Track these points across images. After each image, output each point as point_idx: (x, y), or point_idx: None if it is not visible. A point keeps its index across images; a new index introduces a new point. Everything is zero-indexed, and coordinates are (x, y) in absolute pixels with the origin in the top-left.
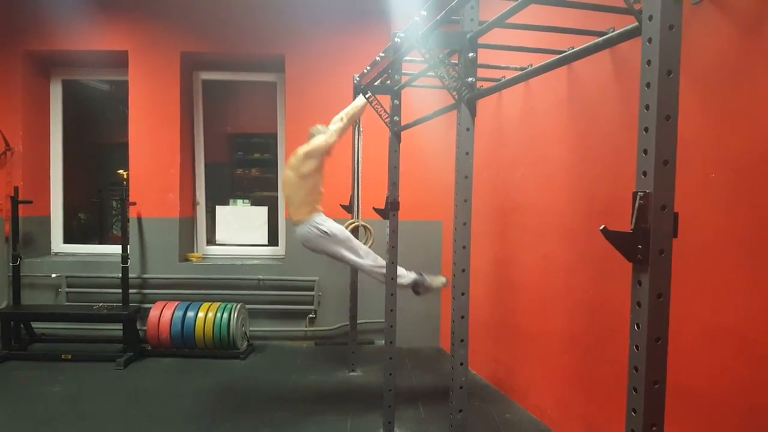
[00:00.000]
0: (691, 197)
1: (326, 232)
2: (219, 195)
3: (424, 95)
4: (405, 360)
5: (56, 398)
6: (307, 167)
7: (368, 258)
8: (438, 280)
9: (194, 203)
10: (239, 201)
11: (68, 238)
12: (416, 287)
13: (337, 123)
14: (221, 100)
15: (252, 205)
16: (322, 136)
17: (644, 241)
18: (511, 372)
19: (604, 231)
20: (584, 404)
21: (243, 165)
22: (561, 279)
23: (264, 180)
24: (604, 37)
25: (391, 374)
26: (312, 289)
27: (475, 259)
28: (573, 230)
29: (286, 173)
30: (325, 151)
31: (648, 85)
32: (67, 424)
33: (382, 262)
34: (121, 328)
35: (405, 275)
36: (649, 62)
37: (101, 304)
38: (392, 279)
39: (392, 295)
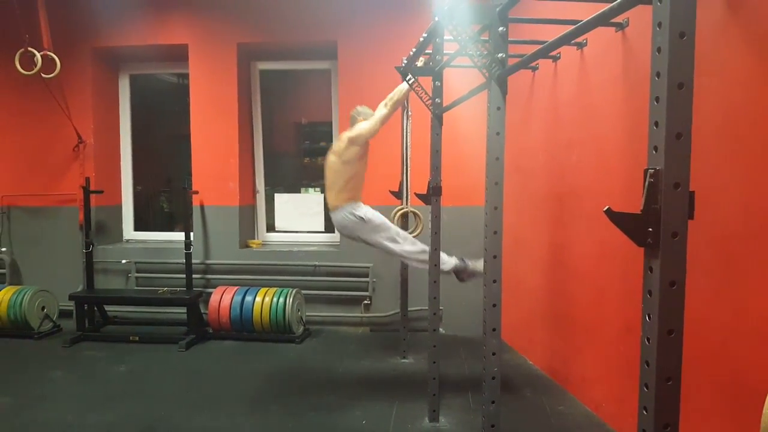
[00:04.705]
0: (750, 176)
1: (362, 218)
2: (289, 183)
3: (468, 76)
4: (459, 349)
5: (121, 377)
6: (350, 153)
7: (406, 243)
8: (481, 263)
9: (254, 191)
10: (310, 189)
11: (143, 226)
12: (459, 273)
13: (381, 110)
14: (287, 90)
15: (322, 193)
16: (367, 123)
17: (655, 223)
18: (567, 362)
19: (608, 212)
20: None
21: (310, 154)
22: (617, 266)
23: None
24: (618, 1)
25: (435, 362)
26: (367, 276)
27: (531, 246)
28: None
29: (329, 158)
30: (369, 138)
31: (659, 50)
32: (128, 402)
33: (422, 246)
34: (185, 311)
35: (446, 261)
36: (660, 24)
37: (165, 288)
38: (435, 265)
39: (435, 282)
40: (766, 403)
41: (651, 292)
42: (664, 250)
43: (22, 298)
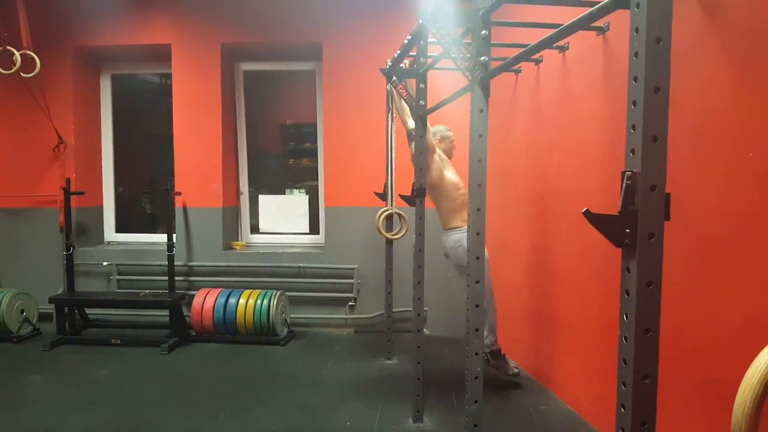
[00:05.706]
0: (726, 178)
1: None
2: (273, 185)
3: (453, 78)
4: (444, 349)
5: (102, 380)
6: (429, 179)
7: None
8: (512, 368)
9: (238, 193)
10: (294, 190)
11: (124, 227)
12: (493, 356)
13: (409, 124)
14: (272, 91)
15: (307, 194)
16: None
17: (632, 224)
18: (549, 362)
19: (586, 214)
20: None
21: (295, 155)
22: (597, 266)
23: (315, 169)
24: (598, 6)
25: (419, 363)
26: (351, 277)
27: (514, 247)
28: None
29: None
30: (432, 153)
31: (636, 54)
32: (109, 405)
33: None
34: (168, 314)
35: (487, 337)
36: (637, 30)
37: (147, 291)
38: (419, 267)
39: (419, 283)
40: (735, 401)
41: (628, 291)
42: (641, 251)
43: (0, 302)
